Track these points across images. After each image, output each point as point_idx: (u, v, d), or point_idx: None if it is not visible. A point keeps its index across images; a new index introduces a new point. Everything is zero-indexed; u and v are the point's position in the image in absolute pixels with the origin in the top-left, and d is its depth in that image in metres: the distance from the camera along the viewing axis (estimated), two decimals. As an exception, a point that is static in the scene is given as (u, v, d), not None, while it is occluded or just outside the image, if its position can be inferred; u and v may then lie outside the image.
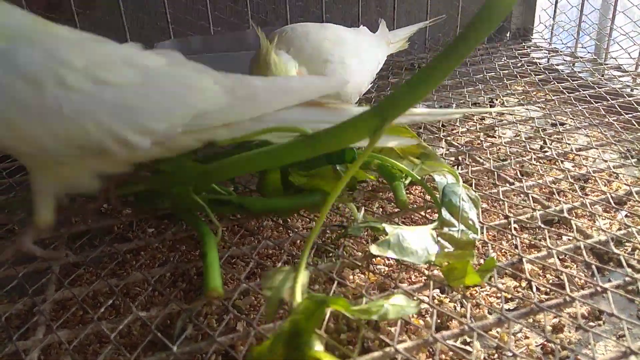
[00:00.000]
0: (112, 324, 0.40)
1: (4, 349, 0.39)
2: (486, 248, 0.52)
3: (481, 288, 0.50)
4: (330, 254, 0.52)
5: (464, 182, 0.54)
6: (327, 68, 0.66)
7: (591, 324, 0.46)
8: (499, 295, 0.48)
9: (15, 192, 0.63)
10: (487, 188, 0.59)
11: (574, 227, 0.49)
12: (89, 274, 0.52)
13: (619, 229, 0.52)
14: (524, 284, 0.51)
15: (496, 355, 0.43)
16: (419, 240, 0.45)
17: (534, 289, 0.43)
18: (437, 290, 0.50)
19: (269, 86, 0.50)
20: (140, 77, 0.43)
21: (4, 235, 0.56)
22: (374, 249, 0.44)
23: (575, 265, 0.52)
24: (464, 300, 0.47)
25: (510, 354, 0.38)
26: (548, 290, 0.48)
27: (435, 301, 0.48)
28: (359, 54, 0.71)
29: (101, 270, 0.48)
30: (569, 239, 0.53)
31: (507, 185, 0.59)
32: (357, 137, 0.41)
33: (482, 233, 0.52)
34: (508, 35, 1.23)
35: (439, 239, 0.46)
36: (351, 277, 0.52)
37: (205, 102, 0.46)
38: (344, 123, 0.40)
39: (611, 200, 0.53)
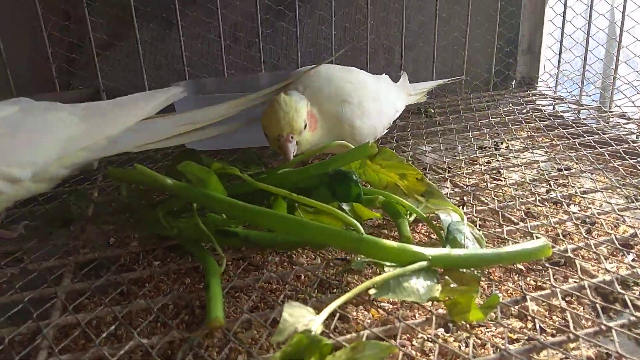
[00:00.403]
0: (113, 350, 0.40)
1: (4, 372, 0.39)
2: (491, 288, 0.52)
3: (487, 328, 0.50)
4: (335, 290, 0.52)
5: (468, 221, 0.54)
6: (344, 108, 0.68)
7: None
8: (504, 336, 0.47)
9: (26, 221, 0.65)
10: (491, 228, 0.59)
11: (578, 267, 0.49)
12: (93, 302, 0.52)
13: (626, 269, 0.52)
14: (529, 324, 0.50)
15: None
16: (420, 280, 0.45)
17: (538, 327, 0.42)
18: (442, 330, 0.49)
19: (114, 104, 0.61)
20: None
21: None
22: (373, 291, 0.43)
23: (582, 308, 0.52)
24: (468, 339, 0.46)
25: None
26: (554, 332, 0.47)
27: (440, 340, 0.48)
28: (378, 99, 0.74)
29: (105, 298, 0.48)
30: (574, 281, 0.53)
31: (512, 225, 0.59)
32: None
33: (487, 273, 0.52)
34: (513, 83, 1.26)
35: (446, 276, 0.46)
36: (354, 313, 0.51)
37: (69, 129, 0.55)
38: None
39: (616, 242, 0.53)
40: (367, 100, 0.71)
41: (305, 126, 0.63)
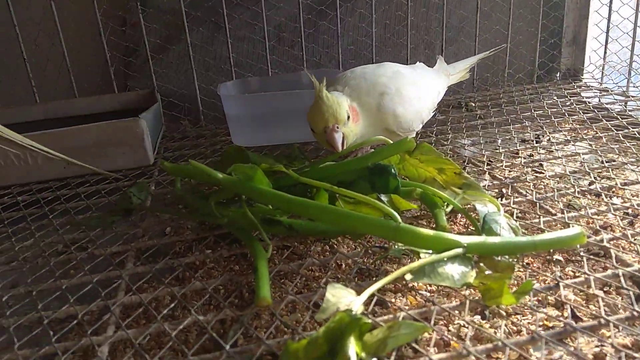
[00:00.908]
0: (173, 325, 0.45)
1: (78, 342, 0.44)
2: (528, 278, 0.53)
3: (523, 316, 0.51)
4: (374, 277, 0.55)
5: (506, 213, 0.56)
6: (383, 99, 0.71)
7: (635, 355, 0.46)
8: (540, 324, 0.49)
9: (91, 212, 0.71)
10: (529, 220, 0.61)
11: (614, 256, 0.50)
12: (153, 285, 0.57)
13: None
14: (566, 313, 0.51)
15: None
16: (455, 265, 0.47)
17: (570, 312, 0.44)
18: (478, 317, 0.51)
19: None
20: None
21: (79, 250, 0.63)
22: (409, 276, 0.46)
23: (620, 298, 0.53)
24: (503, 324, 0.48)
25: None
26: (589, 319, 0.48)
27: (475, 325, 0.49)
28: (416, 84, 0.77)
29: (164, 280, 0.53)
30: (610, 269, 0.53)
31: (550, 216, 0.60)
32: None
33: (526, 264, 0.53)
34: (558, 75, 1.24)
35: (481, 263, 0.48)
36: (393, 299, 0.54)
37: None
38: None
39: (655, 232, 0.53)
40: (405, 88, 0.74)
41: (349, 117, 0.66)
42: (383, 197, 0.58)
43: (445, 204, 0.59)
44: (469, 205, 0.59)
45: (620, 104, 1.01)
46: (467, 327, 0.47)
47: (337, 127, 0.65)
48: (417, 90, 0.76)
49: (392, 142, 0.63)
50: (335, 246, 0.62)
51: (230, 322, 0.51)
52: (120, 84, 1.07)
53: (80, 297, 0.51)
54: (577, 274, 0.54)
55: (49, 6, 0.96)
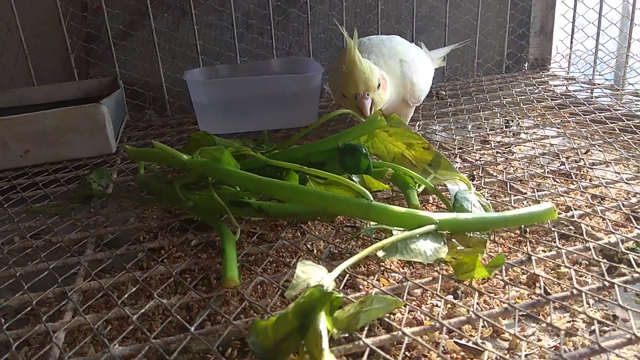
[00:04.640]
0: (135, 309, 0.42)
1: (33, 329, 0.41)
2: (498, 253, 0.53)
3: (495, 295, 0.51)
4: (345, 255, 0.54)
5: (477, 192, 0.55)
6: (402, 67, 0.75)
7: (605, 327, 0.46)
8: (513, 301, 0.48)
9: (49, 200, 0.67)
10: (500, 198, 0.60)
11: (584, 230, 0.50)
12: (115, 271, 0.55)
13: (629, 233, 0.52)
14: (538, 291, 0.51)
15: (508, 356, 0.43)
16: (427, 242, 0.46)
17: (542, 287, 0.43)
18: (451, 297, 0.50)
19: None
20: None
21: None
22: (381, 253, 0.45)
23: (590, 275, 0.53)
24: (475, 302, 0.47)
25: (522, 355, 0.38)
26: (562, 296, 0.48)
27: (448, 305, 0.49)
28: (423, 59, 0.82)
29: (126, 265, 0.51)
30: (580, 243, 0.54)
31: (520, 195, 0.60)
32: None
33: (497, 244, 0.53)
34: (526, 65, 1.26)
35: (453, 240, 0.47)
36: (365, 282, 0.53)
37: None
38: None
39: (623, 208, 0.54)
40: (418, 59, 0.79)
41: (379, 85, 0.68)
42: (355, 178, 0.57)
43: (417, 184, 0.58)
44: (440, 186, 0.58)
45: (587, 91, 1.03)
46: (440, 307, 0.46)
47: (367, 94, 0.66)
48: (424, 65, 0.81)
49: (399, 113, 0.67)
50: (307, 232, 0.61)
51: (197, 308, 0.49)
52: (82, 72, 1.03)
53: (36, 284, 0.48)
54: (548, 250, 0.54)
55: (4, -11, 0.91)
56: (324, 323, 0.34)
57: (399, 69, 0.75)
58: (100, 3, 0.99)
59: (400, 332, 0.37)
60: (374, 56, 0.74)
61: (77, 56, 1.00)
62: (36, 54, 0.98)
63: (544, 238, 0.55)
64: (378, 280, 0.52)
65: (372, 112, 0.67)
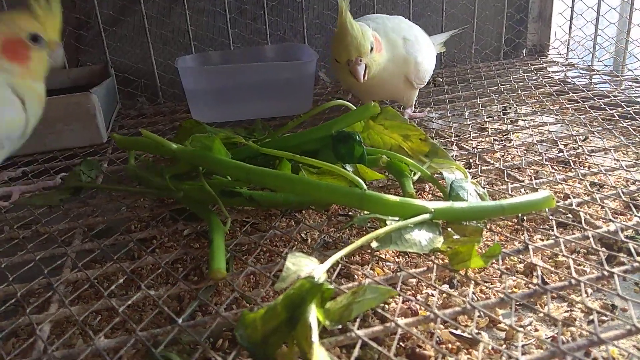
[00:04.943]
0: (122, 301, 0.41)
1: (17, 320, 0.40)
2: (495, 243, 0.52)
3: (491, 284, 0.50)
4: (339, 245, 0.53)
5: (473, 180, 0.54)
6: (405, 44, 0.74)
7: (604, 317, 0.45)
8: (509, 291, 0.47)
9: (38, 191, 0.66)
10: (497, 186, 0.59)
11: (582, 218, 0.49)
12: (103, 261, 0.54)
13: (629, 221, 0.51)
14: (535, 280, 0.50)
15: (504, 346, 0.42)
16: (422, 232, 0.45)
17: (540, 276, 0.42)
18: (447, 286, 0.49)
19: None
20: None
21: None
22: (374, 244, 0.43)
23: (588, 264, 0.52)
24: (471, 292, 0.46)
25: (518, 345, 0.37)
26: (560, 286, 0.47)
27: (444, 295, 0.48)
28: (426, 40, 0.81)
29: (114, 256, 0.50)
30: (578, 231, 0.53)
31: (518, 183, 0.59)
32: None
33: (494, 232, 0.52)
34: (524, 51, 1.24)
35: (449, 229, 0.46)
36: (359, 272, 0.52)
37: None
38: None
39: (622, 196, 0.53)
40: (421, 39, 0.78)
41: (372, 49, 0.66)
42: (348, 167, 0.55)
43: (413, 172, 0.57)
44: (436, 175, 0.57)
45: (586, 78, 1.01)
46: (435, 297, 0.45)
47: (360, 60, 0.65)
48: (428, 46, 0.80)
49: (403, 95, 0.68)
50: (301, 221, 0.59)
51: (188, 299, 0.48)
52: (71, 59, 1.01)
53: (21, 275, 0.47)
54: (546, 239, 0.53)
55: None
56: (314, 315, 0.33)
57: (401, 46, 0.73)
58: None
59: (393, 324, 0.36)
60: (375, 25, 0.72)
61: (66, 43, 0.97)
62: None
63: (541, 226, 0.53)
64: (372, 269, 0.51)
65: (367, 77, 0.67)
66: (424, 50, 0.77)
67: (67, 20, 0.99)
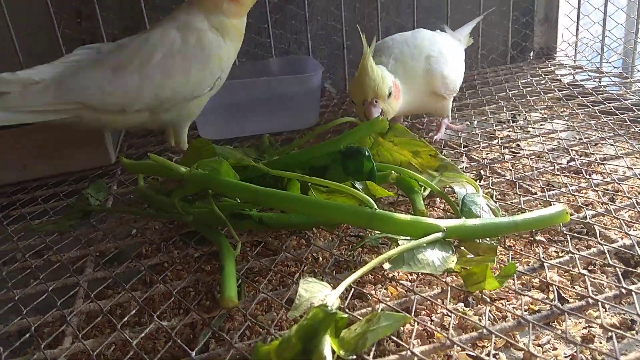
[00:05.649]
0: (135, 333, 0.41)
1: (32, 357, 0.40)
2: (511, 261, 0.51)
3: (507, 301, 0.49)
4: (352, 270, 0.52)
5: (485, 194, 0.53)
6: (430, 62, 0.73)
7: (624, 334, 0.44)
8: (526, 308, 0.46)
9: (48, 216, 0.66)
10: (509, 200, 0.58)
11: (598, 232, 0.48)
12: (116, 290, 0.54)
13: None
14: (552, 295, 0.49)
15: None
16: (435, 251, 0.44)
17: (556, 294, 0.41)
18: (462, 304, 0.49)
19: None
20: None
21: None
22: (387, 265, 0.43)
23: (605, 277, 0.51)
24: (487, 310, 0.46)
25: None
26: (576, 300, 0.46)
27: (459, 313, 0.47)
28: (450, 47, 0.80)
29: (126, 284, 0.49)
30: (594, 247, 0.52)
31: (530, 195, 0.58)
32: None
33: (507, 247, 0.51)
34: (531, 55, 1.23)
35: (462, 247, 0.46)
36: (373, 291, 0.51)
37: None
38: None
39: (637, 206, 0.52)
40: (446, 50, 0.77)
41: (390, 94, 0.66)
42: (358, 185, 0.55)
43: (423, 188, 0.57)
44: (446, 189, 0.57)
45: (595, 80, 1.00)
46: (450, 316, 0.45)
47: (376, 102, 0.65)
48: (453, 53, 0.79)
49: (435, 107, 0.70)
50: (312, 239, 0.59)
51: (201, 326, 0.48)
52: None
53: (35, 307, 0.47)
54: (561, 254, 0.52)
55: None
56: (328, 346, 0.33)
57: (423, 67, 0.73)
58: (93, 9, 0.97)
59: (408, 352, 0.36)
60: (394, 57, 0.72)
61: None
62: (31, 63, 0.96)
63: (555, 238, 0.53)
64: (386, 289, 0.51)
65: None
66: (450, 60, 0.76)
67: (72, 41, 1.00)
